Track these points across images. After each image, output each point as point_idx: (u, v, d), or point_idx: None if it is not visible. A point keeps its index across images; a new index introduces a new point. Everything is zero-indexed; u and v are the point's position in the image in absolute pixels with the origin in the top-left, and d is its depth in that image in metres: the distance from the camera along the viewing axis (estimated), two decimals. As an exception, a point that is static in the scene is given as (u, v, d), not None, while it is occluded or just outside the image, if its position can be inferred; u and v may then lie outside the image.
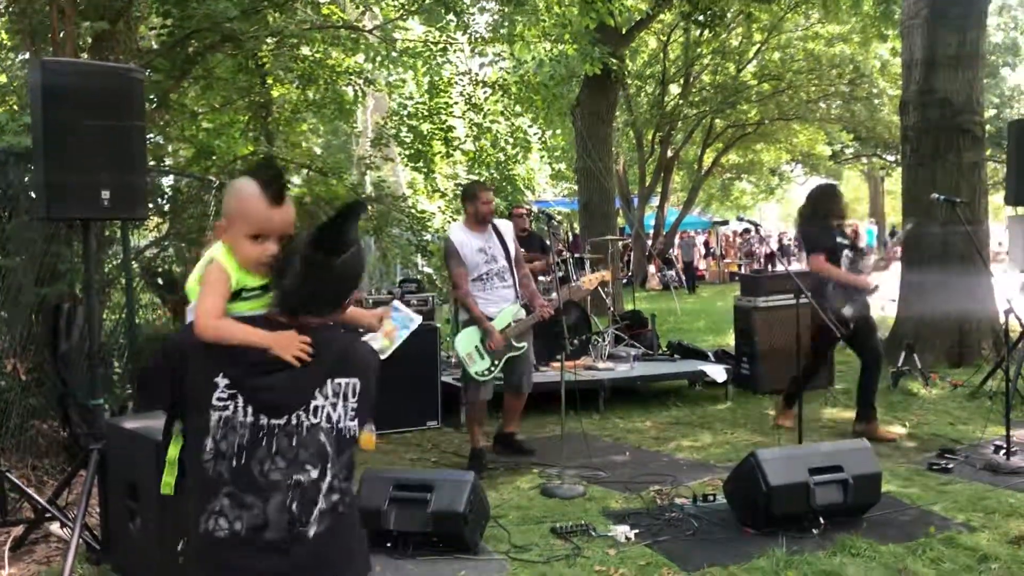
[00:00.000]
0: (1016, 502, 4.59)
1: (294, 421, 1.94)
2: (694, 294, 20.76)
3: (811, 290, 5.72)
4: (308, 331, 2.03)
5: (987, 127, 10.91)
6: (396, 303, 2.70)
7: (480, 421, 5.76)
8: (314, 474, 1.92)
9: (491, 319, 5.48)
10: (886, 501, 4.54)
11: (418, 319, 2.78)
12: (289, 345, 1.97)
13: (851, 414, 6.91)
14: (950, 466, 5.30)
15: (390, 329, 2.56)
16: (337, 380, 1.99)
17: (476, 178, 12.29)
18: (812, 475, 4.21)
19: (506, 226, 5.78)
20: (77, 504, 4.01)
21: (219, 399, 1.94)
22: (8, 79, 7.46)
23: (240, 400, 1.94)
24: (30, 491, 4.40)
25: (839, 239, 6.09)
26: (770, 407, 7.15)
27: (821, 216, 6.17)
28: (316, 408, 1.96)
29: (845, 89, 23.28)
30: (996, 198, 18.48)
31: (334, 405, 1.97)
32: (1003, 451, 5.44)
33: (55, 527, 4.35)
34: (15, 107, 6.86)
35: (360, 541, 2.10)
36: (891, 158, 29.22)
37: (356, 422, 2.00)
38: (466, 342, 5.45)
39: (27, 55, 7.42)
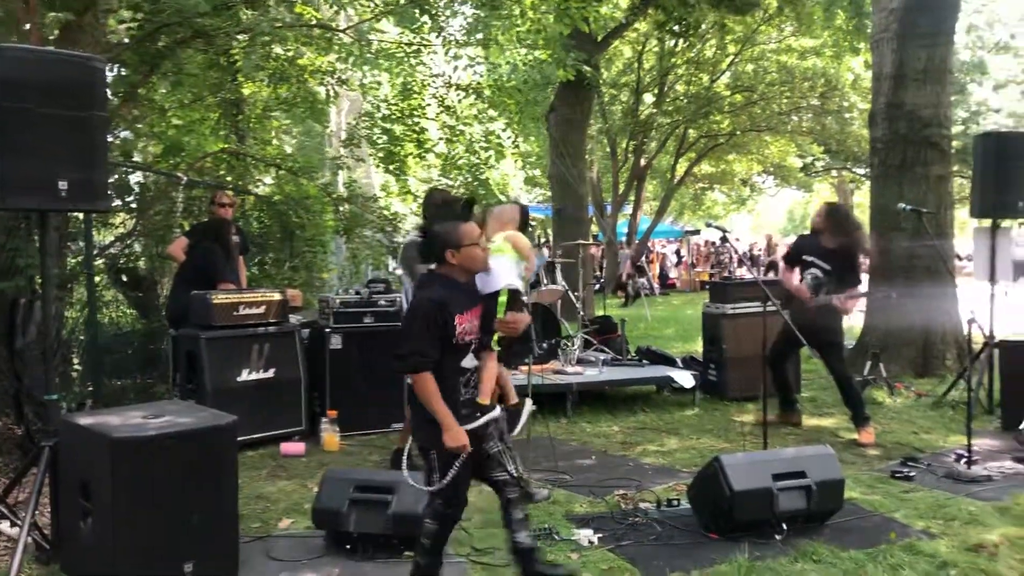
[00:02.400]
0: (976, 510, 4.63)
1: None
2: (629, 307, 19.86)
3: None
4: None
5: (954, 142, 11.04)
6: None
7: None
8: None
9: None
10: (848, 508, 4.56)
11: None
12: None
13: (816, 422, 6.98)
14: (912, 474, 5.34)
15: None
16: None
17: (453, 182, 12.21)
18: (775, 481, 4.22)
19: None
20: (27, 502, 3.91)
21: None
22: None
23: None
24: (-20, 489, 4.29)
25: (807, 257, 6.47)
26: (737, 413, 7.17)
27: (811, 233, 6.66)
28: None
29: (816, 102, 23.47)
30: (963, 213, 18.73)
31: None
32: (964, 460, 5.49)
33: (4, 526, 4.24)
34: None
35: None
36: (861, 171, 29.54)
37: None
38: None
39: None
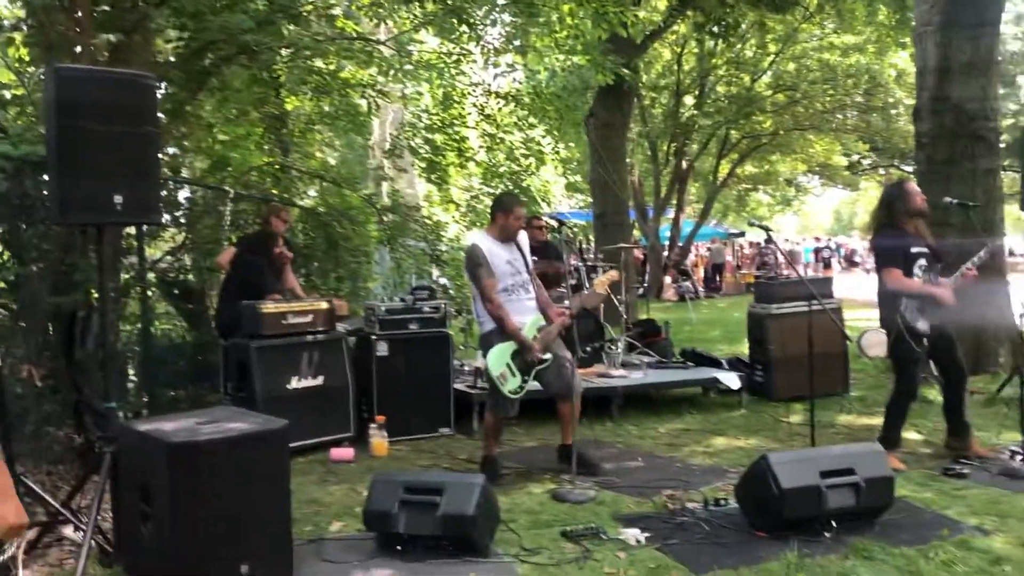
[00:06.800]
0: (1032, 506, 4.55)
1: None
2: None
3: (881, 303, 5.63)
4: None
5: (1003, 135, 10.86)
6: None
7: (499, 435, 5.67)
8: None
9: None
10: (899, 505, 4.50)
11: None
12: None
13: (865, 421, 6.90)
14: (965, 471, 5.26)
15: None
16: None
17: (494, 190, 12.33)
18: (823, 478, 4.19)
19: (523, 238, 5.63)
20: (90, 507, 4.04)
21: None
22: (27, 92, 7.56)
23: None
24: (45, 495, 4.43)
25: (914, 248, 5.66)
26: (784, 414, 7.12)
27: (895, 223, 5.69)
28: None
29: (860, 99, 23.19)
30: (1015, 208, 18.32)
31: None
32: (1019, 457, 5.40)
33: (68, 530, 4.38)
34: (33, 119, 6.95)
35: None
36: (908, 168, 29.06)
37: None
38: (498, 360, 5.25)
39: (44, 69, 7.53)
